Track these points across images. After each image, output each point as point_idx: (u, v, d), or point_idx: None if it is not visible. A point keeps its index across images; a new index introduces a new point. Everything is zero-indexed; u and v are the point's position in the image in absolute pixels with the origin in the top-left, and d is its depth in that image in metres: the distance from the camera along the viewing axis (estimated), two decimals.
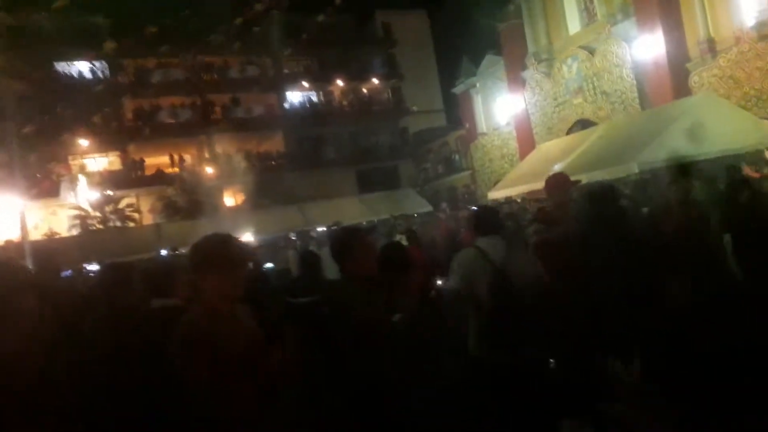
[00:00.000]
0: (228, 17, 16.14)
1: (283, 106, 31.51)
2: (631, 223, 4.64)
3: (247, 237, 15.50)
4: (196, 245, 2.67)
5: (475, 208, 10.80)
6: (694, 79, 16.22)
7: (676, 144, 11.62)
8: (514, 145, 23.13)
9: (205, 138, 27.83)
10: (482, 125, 26.06)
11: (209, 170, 26.35)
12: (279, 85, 31.24)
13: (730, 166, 8.96)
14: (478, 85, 25.84)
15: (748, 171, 9.70)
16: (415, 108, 34.05)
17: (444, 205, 16.91)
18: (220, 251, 2.58)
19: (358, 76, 33.12)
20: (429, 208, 22.04)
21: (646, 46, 16.89)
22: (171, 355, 2.46)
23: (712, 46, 15.86)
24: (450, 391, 3.23)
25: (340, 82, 32.40)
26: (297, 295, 4.90)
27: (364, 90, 34.21)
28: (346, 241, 3.46)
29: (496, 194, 16.85)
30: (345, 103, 33.38)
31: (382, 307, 3.33)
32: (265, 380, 2.58)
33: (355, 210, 21.15)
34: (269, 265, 6.88)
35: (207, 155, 27.84)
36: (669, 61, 16.55)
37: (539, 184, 13.96)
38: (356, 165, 31.06)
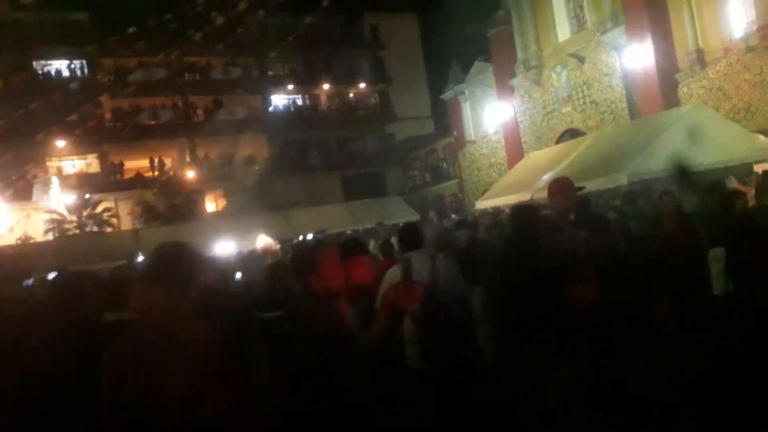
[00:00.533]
0: (211, 16, 15.78)
1: (267, 109, 31.12)
2: (550, 247, 4.47)
3: (228, 245, 15.06)
4: (149, 254, 2.54)
5: (453, 220, 10.53)
6: (683, 90, 16.13)
7: (665, 155, 11.46)
8: (502, 153, 22.95)
9: (187, 141, 27.35)
10: (471, 133, 25.87)
11: (190, 174, 25.86)
12: (263, 88, 30.85)
13: (718, 179, 8.75)
14: (466, 91, 25.67)
15: (735, 184, 9.53)
16: (402, 114, 33.87)
17: (432, 214, 16.63)
18: (169, 261, 2.42)
19: (345, 79, 32.85)
20: (416, 216, 21.76)
21: (636, 56, 16.79)
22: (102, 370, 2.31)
23: (701, 57, 15.79)
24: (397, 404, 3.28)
25: (326, 86, 32.10)
26: (267, 310, 4.65)
27: (351, 94, 33.95)
28: (307, 256, 3.17)
29: (484, 203, 16.60)
30: (331, 107, 33.08)
31: (346, 322, 3.10)
32: (227, 399, 2.36)
33: (340, 217, 20.79)
34: (238, 276, 6.51)
35: (188, 159, 27.36)
36: (658, 71, 16.46)
37: (528, 194, 13.85)
38: (342, 171, 30.74)
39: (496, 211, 13.45)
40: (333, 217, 20.41)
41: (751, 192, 7.21)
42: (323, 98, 33.27)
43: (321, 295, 3.04)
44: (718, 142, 11.76)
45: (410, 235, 4.72)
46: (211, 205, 26.50)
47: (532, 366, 3.88)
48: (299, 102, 32.63)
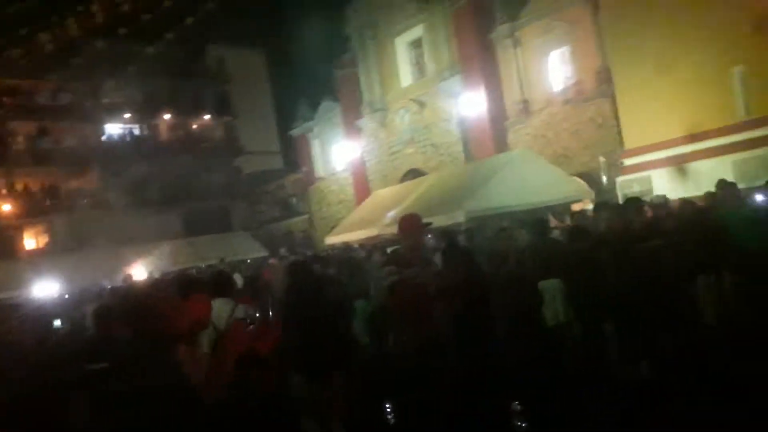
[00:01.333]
0: (41, 39, 14.38)
1: (100, 138, 28.82)
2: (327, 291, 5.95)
3: (50, 287, 13.48)
4: None
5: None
6: (511, 136, 17.74)
7: (498, 194, 12.44)
8: (350, 190, 23.38)
9: (4, 171, 24.33)
10: (320, 169, 26.08)
11: (6, 208, 22.94)
12: (97, 116, 28.57)
13: (540, 217, 9.61)
14: (315, 129, 25.93)
15: (554, 222, 10.52)
16: (250, 148, 33.20)
17: (283, 249, 16.35)
18: None
19: (188, 111, 31.55)
20: (263, 252, 21.25)
21: (471, 103, 18.17)
22: None
23: (527, 107, 17.51)
24: None
25: (167, 116, 30.57)
26: (93, 360, 4.17)
27: (195, 126, 32.66)
28: (142, 298, 2.92)
29: (333, 239, 16.69)
30: (173, 138, 31.48)
31: (186, 370, 2.90)
32: None
33: (181, 254, 19.66)
34: (57, 323, 5.81)
35: (4, 190, 24.30)
36: (490, 118, 17.96)
37: (375, 230, 14.15)
38: (184, 205, 29.17)
39: (346, 246, 13.55)
40: (173, 254, 19.24)
41: (566, 229, 7.96)
42: (164, 129, 31.60)
43: (157, 339, 2.79)
44: (543, 183, 13.01)
45: (217, 285, 4.87)
46: (32, 241, 23.65)
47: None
48: (137, 132, 30.64)
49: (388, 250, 9.01)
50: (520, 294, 6.01)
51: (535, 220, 8.03)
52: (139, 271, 15.99)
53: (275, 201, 30.54)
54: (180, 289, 5.43)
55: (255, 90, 35.60)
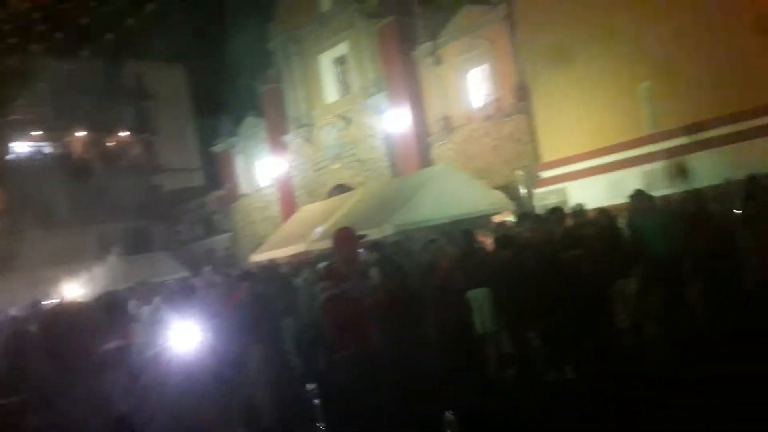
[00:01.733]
0: None
1: (5, 157, 27.05)
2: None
3: None
4: None
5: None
6: (435, 152, 18.14)
7: (424, 208, 12.70)
8: (276, 206, 23.07)
9: None
10: (244, 186, 25.59)
11: None
12: (3, 133, 26.83)
13: (466, 229, 9.88)
14: (239, 145, 25.47)
15: (481, 237, 10.83)
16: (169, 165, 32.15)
17: (208, 268, 15.81)
18: None
19: (104, 128, 30.21)
20: (184, 272, 20.56)
21: (395, 120, 18.47)
22: None
23: (449, 124, 17.98)
24: None
25: (82, 134, 29.15)
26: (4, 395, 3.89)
27: (112, 143, 31.30)
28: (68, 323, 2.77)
29: (259, 257, 16.39)
30: (88, 156, 30.02)
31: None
32: None
33: (97, 277, 18.65)
34: None
35: None
36: (414, 134, 18.30)
37: (303, 246, 14.04)
38: (100, 226, 27.78)
39: (273, 263, 13.34)
40: (88, 277, 18.24)
41: (489, 241, 8.20)
42: (78, 147, 30.10)
43: (80, 367, 2.65)
44: (466, 197, 13.40)
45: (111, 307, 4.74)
46: None
47: None
48: (48, 150, 29.00)
49: (319, 265, 8.93)
50: (451, 304, 6.15)
51: (462, 231, 8.26)
52: (52, 296, 15.03)
53: (197, 219, 29.66)
54: (104, 312, 5.18)
55: (175, 106, 34.58)
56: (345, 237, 4.64)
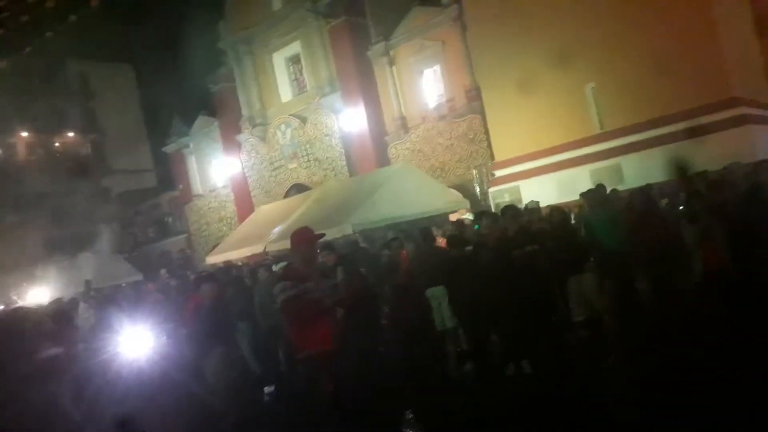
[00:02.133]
0: None
1: None
2: None
3: None
4: None
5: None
6: (391, 151, 18.24)
7: (382, 207, 12.76)
8: (232, 207, 22.75)
9: None
10: (198, 187, 25.10)
11: None
12: None
13: (424, 227, 10.01)
14: (191, 145, 24.97)
15: (438, 235, 10.98)
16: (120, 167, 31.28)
17: (164, 271, 15.46)
18: None
19: (49, 129, 29.15)
20: (138, 276, 20.05)
21: (351, 119, 18.49)
22: None
23: (404, 123, 18.12)
24: None
25: (24, 134, 28.05)
26: None
27: (57, 144, 30.24)
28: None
29: (215, 258, 16.13)
30: (32, 158, 28.93)
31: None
32: None
33: (46, 281, 18.01)
34: None
35: None
36: (371, 133, 18.36)
37: (260, 247, 13.89)
38: (46, 229, 26.81)
39: (229, 265, 13.17)
40: (36, 281, 17.61)
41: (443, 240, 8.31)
42: (21, 149, 28.96)
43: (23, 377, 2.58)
44: (424, 196, 13.53)
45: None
46: None
47: None
48: None
49: (275, 267, 8.85)
50: (412, 303, 6.23)
51: (420, 230, 8.35)
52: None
53: (150, 221, 28.98)
54: (51, 320, 5.04)
55: (124, 106, 33.67)
56: (303, 237, 4.62)
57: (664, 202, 8.47)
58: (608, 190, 7.88)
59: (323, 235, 4.87)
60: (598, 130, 13.54)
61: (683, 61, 11.90)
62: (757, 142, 11.58)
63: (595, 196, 7.26)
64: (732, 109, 11.72)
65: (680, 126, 11.92)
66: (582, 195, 7.25)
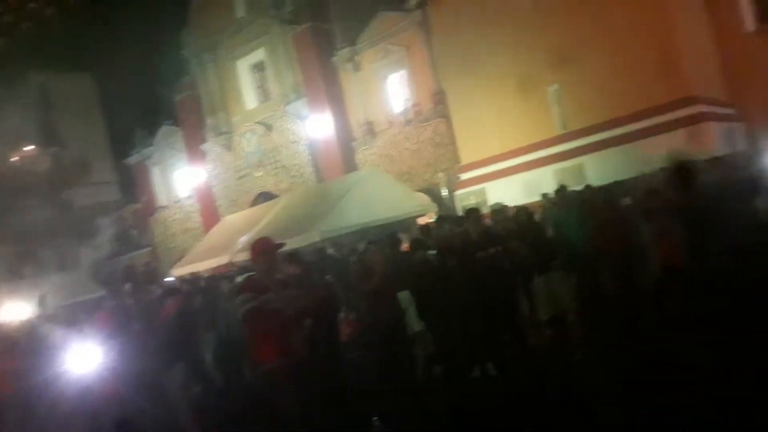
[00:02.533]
0: None
1: None
2: None
3: None
4: None
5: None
6: (359, 156, 18.20)
7: (350, 213, 12.68)
8: (197, 218, 22.40)
9: None
10: (162, 198, 24.66)
11: None
12: None
13: (392, 232, 9.98)
14: (154, 155, 24.54)
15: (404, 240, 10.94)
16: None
17: (128, 285, 15.02)
18: None
19: (6, 142, 28.28)
20: (100, 291, 19.55)
21: (318, 125, 18.38)
22: None
23: (371, 128, 18.10)
24: None
25: None
26: None
27: (15, 158, 29.35)
28: None
29: (181, 270, 15.81)
30: None
31: None
32: None
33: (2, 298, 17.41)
34: None
35: None
36: (338, 140, 18.28)
37: (226, 257, 13.66)
38: (5, 244, 25.98)
39: (195, 277, 12.90)
40: None
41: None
42: None
43: None
44: (392, 200, 13.51)
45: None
46: None
47: None
48: None
49: (238, 278, 8.70)
50: (386, 308, 6.17)
51: (386, 235, 8.31)
52: None
53: (113, 234, 28.32)
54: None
55: (85, 117, 32.85)
56: (262, 247, 4.58)
57: (626, 200, 8.58)
58: (576, 188, 7.99)
59: (283, 244, 4.80)
60: (561, 131, 13.71)
61: (643, 62, 12.17)
62: (713, 139, 11.87)
63: (561, 195, 7.31)
64: (689, 108, 12.00)
65: (640, 125, 12.17)
66: (543, 195, 7.30)
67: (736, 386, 3.93)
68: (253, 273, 4.87)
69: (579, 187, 8.66)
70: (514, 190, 13.24)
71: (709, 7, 14.30)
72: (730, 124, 13.17)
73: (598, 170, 11.85)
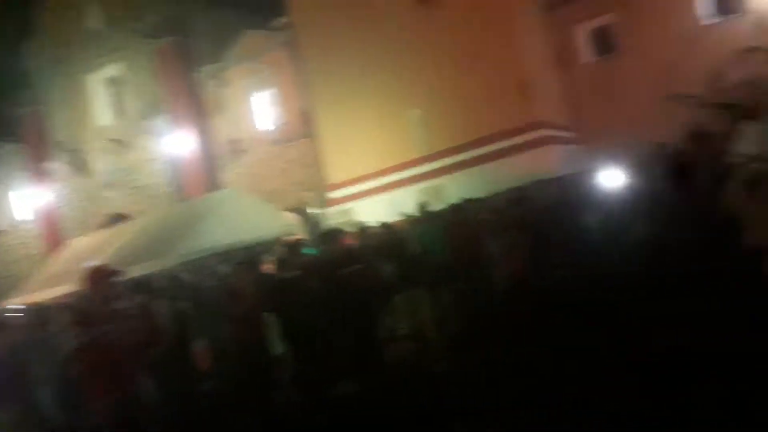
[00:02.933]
0: None
1: None
2: None
3: None
4: None
5: None
6: (225, 175, 17.61)
7: (211, 235, 12.14)
8: (39, 242, 20.37)
9: None
10: (1, 222, 22.14)
11: None
12: None
13: (251, 253, 9.73)
14: None
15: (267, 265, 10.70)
16: None
17: None
18: None
19: None
20: None
21: (179, 143, 17.55)
22: None
23: (237, 146, 17.62)
24: None
25: None
26: None
27: None
28: None
29: (18, 301, 14.18)
30: None
31: None
32: None
33: None
34: None
35: None
36: (201, 157, 17.59)
37: (72, 286, 12.45)
38: None
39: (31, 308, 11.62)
40: None
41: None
42: None
43: None
44: (255, 221, 13.13)
45: None
46: None
47: None
48: None
49: (69, 310, 7.97)
50: (251, 330, 5.97)
51: (246, 256, 8.05)
52: None
53: None
54: None
55: None
56: (98, 275, 4.33)
57: (481, 216, 9.03)
58: (438, 207, 8.28)
59: (117, 272, 4.48)
60: (423, 153, 14.24)
61: (495, 89, 13.05)
62: (556, 160, 12.95)
63: (423, 213, 7.54)
64: (535, 132, 13.01)
65: (494, 147, 12.97)
66: (402, 213, 7.50)
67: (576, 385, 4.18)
68: (87, 305, 4.52)
69: (441, 206, 9.04)
70: (380, 208, 13.47)
71: (552, 41, 15.69)
72: (571, 147, 14.45)
73: (456, 189, 12.42)
